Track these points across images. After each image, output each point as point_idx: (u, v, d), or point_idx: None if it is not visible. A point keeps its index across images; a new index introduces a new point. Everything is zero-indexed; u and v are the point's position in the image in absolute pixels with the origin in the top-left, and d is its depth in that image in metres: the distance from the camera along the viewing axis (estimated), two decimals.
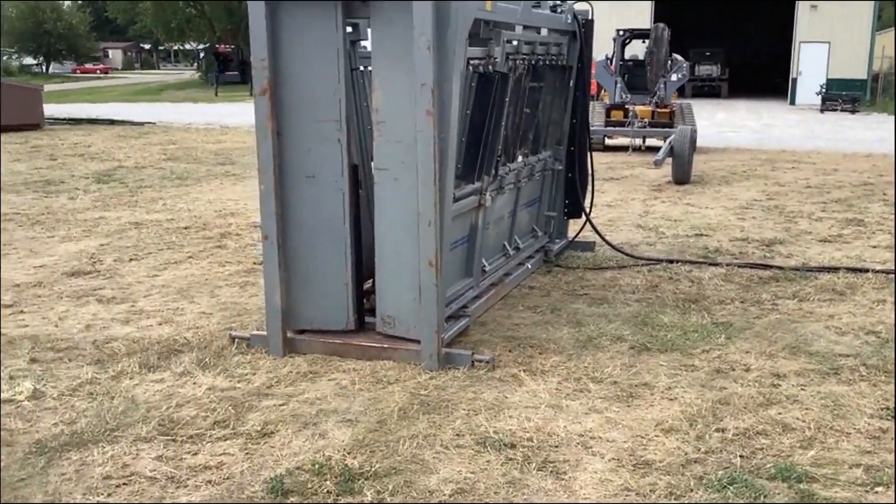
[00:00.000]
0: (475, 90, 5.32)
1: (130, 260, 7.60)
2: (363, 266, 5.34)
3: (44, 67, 71.08)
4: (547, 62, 6.67)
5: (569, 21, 6.98)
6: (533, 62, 6.35)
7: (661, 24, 15.57)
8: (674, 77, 15.74)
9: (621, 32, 17.02)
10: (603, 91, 17.01)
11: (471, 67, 5.29)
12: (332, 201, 5.12)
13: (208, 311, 6.08)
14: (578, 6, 7.28)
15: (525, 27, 6.28)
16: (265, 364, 5.01)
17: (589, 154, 7.64)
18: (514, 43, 6.03)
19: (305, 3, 4.95)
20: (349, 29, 5.54)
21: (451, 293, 5.59)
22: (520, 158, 6.58)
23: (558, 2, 6.92)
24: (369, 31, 5.27)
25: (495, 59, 5.54)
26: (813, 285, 6.68)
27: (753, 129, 22.43)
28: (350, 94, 5.72)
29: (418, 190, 4.85)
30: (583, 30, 7.23)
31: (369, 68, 5.57)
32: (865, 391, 4.59)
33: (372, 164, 5.26)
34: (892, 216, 9.54)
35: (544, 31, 6.76)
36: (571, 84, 7.30)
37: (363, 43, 5.70)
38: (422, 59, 4.69)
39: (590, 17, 7.38)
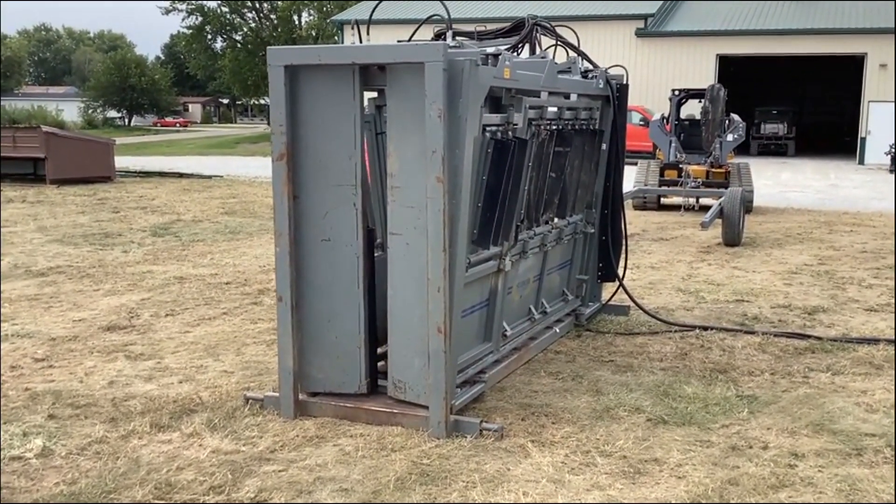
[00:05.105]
0: (491, 156, 5.29)
1: (167, 315, 7.75)
2: (378, 330, 5.34)
3: (126, 120, 73.91)
4: (575, 126, 6.64)
5: (601, 86, 6.96)
6: (559, 127, 6.33)
7: (718, 84, 15.43)
8: (730, 137, 15.52)
9: (677, 92, 16.89)
10: (658, 150, 16.86)
11: (487, 134, 5.29)
12: (346, 265, 5.14)
13: (230, 370, 6.13)
14: (613, 70, 7.26)
15: (552, 93, 6.27)
16: (274, 427, 5.01)
17: (623, 217, 7.56)
18: (538, 109, 6.02)
19: (323, 68, 5.04)
20: (375, 94, 5.64)
21: (467, 358, 5.53)
22: (545, 222, 6.50)
23: (590, 67, 6.93)
24: None
25: (515, 125, 5.53)
26: (850, 358, 6.42)
27: (818, 188, 21.94)
28: (374, 158, 5.80)
29: (428, 255, 4.84)
30: (616, 94, 7.21)
31: None
32: (886, 475, 4.37)
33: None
34: None
35: (574, 97, 6.75)
36: (604, 147, 7.25)
37: None
38: (433, 126, 4.72)
39: (625, 82, 7.36)
